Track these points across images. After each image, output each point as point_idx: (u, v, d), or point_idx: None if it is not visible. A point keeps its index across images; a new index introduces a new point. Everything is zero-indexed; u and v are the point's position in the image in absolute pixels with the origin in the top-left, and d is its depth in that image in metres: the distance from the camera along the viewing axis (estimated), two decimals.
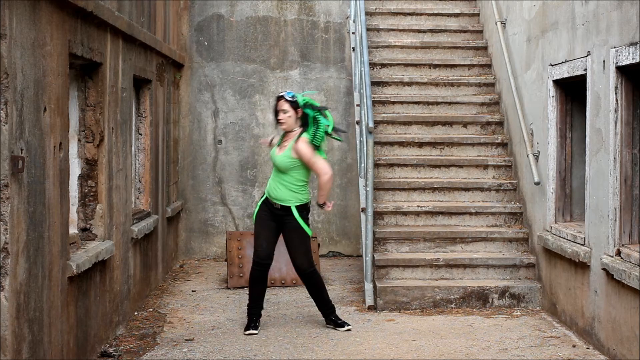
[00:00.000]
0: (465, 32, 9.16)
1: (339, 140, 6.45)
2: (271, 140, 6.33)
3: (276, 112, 5.99)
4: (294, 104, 5.93)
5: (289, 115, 5.92)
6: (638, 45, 4.81)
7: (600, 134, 5.45)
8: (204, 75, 9.58)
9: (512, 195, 7.56)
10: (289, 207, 5.92)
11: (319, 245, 8.00)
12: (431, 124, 8.14)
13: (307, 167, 5.93)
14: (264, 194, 6.09)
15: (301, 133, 5.92)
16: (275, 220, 6.01)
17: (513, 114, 7.60)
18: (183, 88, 9.54)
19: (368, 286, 6.86)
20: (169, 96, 8.55)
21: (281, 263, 7.50)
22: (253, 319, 6.03)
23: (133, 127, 6.91)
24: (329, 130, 5.98)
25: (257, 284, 6.03)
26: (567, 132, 6.45)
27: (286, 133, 6.02)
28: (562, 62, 6.16)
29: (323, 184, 5.95)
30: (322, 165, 5.91)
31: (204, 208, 9.57)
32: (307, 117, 5.95)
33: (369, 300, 6.75)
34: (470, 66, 8.73)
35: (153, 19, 7.54)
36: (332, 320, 6.11)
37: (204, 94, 9.57)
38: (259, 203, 6.08)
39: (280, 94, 6.01)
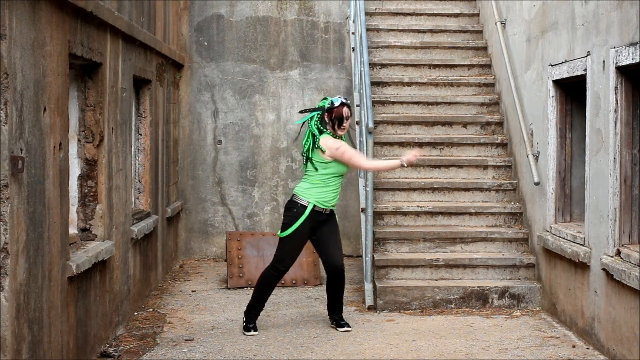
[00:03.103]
0: (465, 32, 9.16)
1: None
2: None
3: (339, 119, 5.89)
4: (350, 108, 6.01)
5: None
6: (638, 45, 4.81)
7: (600, 134, 5.45)
8: (204, 75, 9.58)
9: (512, 196, 7.56)
10: (332, 210, 6.05)
11: None
12: (431, 124, 8.14)
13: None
14: (306, 206, 5.83)
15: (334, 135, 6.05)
16: (312, 232, 5.98)
17: (513, 114, 7.60)
18: (183, 88, 9.53)
19: (368, 286, 6.86)
20: (168, 96, 8.55)
21: None
22: (253, 320, 6.00)
23: (133, 127, 6.91)
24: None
25: (269, 288, 6.05)
26: (567, 132, 6.45)
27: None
28: (562, 62, 6.17)
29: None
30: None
31: (204, 208, 9.57)
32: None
33: (369, 301, 6.75)
34: (470, 66, 8.73)
35: (153, 19, 7.54)
36: (335, 320, 6.11)
37: (203, 94, 9.57)
38: (304, 217, 5.83)
39: (342, 101, 5.90)
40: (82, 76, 5.40)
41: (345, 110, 5.91)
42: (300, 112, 6.31)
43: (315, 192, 5.89)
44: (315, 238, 6.02)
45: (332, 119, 5.92)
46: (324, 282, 7.77)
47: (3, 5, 3.62)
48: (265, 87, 9.61)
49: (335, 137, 5.93)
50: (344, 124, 5.93)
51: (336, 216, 6.11)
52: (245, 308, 6.17)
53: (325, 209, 5.95)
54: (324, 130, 5.93)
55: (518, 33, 7.44)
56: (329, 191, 5.93)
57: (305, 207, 5.86)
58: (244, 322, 6.03)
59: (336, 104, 5.91)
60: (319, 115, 5.98)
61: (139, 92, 7.22)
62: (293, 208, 5.89)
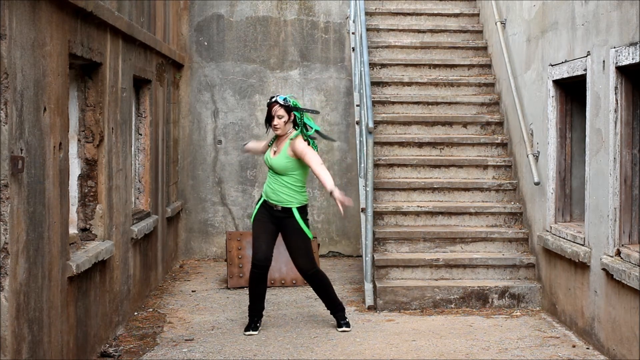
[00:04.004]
0: (465, 32, 9.16)
1: (333, 140, 6.52)
2: (244, 145, 6.53)
3: (270, 117, 5.93)
4: (288, 108, 5.91)
5: (284, 121, 5.90)
6: (638, 45, 4.81)
7: (600, 134, 5.45)
8: (204, 75, 9.58)
9: (512, 196, 7.56)
10: (290, 209, 5.90)
11: (319, 245, 8.01)
12: (431, 124, 8.14)
13: (304, 168, 5.92)
14: (261, 196, 6.06)
15: (294, 134, 5.94)
16: (274, 223, 5.98)
17: (513, 114, 7.60)
18: (183, 88, 9.54)
19: (368, 286, 6.86)
20: (168, 96, 8.55)
21: (281, 263, 7.50)
22: (254, 320, 6.02)
23: (133, 127, 6.91)
24: (318, 129, 6.10)
25: (257, 287, 6.01)
26: (567, 132, 6.45)
27: (278, 137, 6.01)
28: (562, 62, 6.17)
29: (320, 171, 5.78)
30: (314, 155, 5.83)
31: (204, 208, 9.57)
32: (296, 118, 5.98)
33: (369, 301, 6.75)
34: (470, 66, 8.73)
35: (153, 19, 7.54)
36: (336, 319, 6.11)
37: (203, 94, 9.57)
38: (257, 206, 6.04)
39: (273, 99, 5.92)
40: (82, 76, 5.40)
41: (274, 109, 5.89)
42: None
43: (264, 185, 6.08)
44: (284, 241, 6.08)
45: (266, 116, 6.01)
46: None
47: (3, 5, 3.62)
48: (265, 87, 9.61)
49: (277, 139, 6.02)
50: (273, 123, 5.91)
51: (300, 221, 5.91)
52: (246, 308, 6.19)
53: (276, 205, 5.92)
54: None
55: (518, 33, 7.44)
56: (267, 184, 6.01)
57: (260, 198, 6.09)
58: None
59: (271, 101, 5.95)
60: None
61: (139, 92, 7.22)
62: None
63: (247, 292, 7.36)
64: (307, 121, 6.02)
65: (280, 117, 5.88)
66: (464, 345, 5.63)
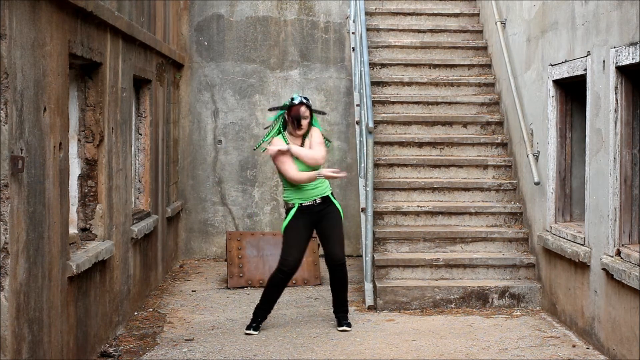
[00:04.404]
0: (465, 32, 9.16)
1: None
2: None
3: (297, 119, 5.84)
4: (310, 108, 5.92)
5: (308, 122, 5.90)
6: (638, 45, 4.81)
7: (600, 134, 5.45)
8: (204, 75, 9.58)
9: (512, 195, 7.56)
10: (327, 196, 5.95)
11: (318, 245, 8.00)
12: (431, 124, 8.14)
13: None
14: (293, 206, 5.91)
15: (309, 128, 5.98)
16: (310, 227, 5.95)
17: (513, 114, 7.60)
18: (183, 88, 9.54)
19: (368, 286, 6.86)
20: (168, 96, 8.55)
21: None
22: (257, 320, 6.01)
23: (133, 127, 6.91)
24: (320, 130, 6.13)
25: (276, 290, 6.02)
26: (567, 132, 6.45)
27: (290, 138, 5.97)
28: (562, 62, 6.17)
29: (311, 155, 5.89)
30: (323, 150, 5.94)
31: (204, 208, 9.57)
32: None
33: (369, 300, 6.75)
34: (470, 66, 8.73)
35: (153, 19, 7.54)
36: (337, 319, 6.10)
37: (203, 94, 9.57)
38: (290, 216, 5.90)
39: (298, 100, 5.84)
40: (82, 76, 5.40)
41: (302, 109, 5.84)
42: (270, 110, 6.32)
43: (289, 194, 5.96)
44: (318, 232, 6.04)
45: (290, 118, 5.90)
46: (324, 282, 7.78)
47: (3, 5, 3.62)
48: (265, 87, 9.61)
49: (292, 136, 5.94)
50: (302, 124, 5.87)
51: (338, 205, 6.01)
52: (248, 308, 6.17)
53: (315, 200, 5.91)
54: (282, 131, 5.98)
55: (518, 33, 7.44)
56: (297, 188, 5.91)
57: (291, 208, 5.94)
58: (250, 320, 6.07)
59: (295, 102, 5.88)
60: (282, 115, 6.02)
61: (139, 92, 7.22)
62: (285, 207, 6.06)
63: (248, 292, 7.38)
64: (313, 122, 6.04)
65: (305, 118, 5.88)
66: (464, 345, 5.63)
